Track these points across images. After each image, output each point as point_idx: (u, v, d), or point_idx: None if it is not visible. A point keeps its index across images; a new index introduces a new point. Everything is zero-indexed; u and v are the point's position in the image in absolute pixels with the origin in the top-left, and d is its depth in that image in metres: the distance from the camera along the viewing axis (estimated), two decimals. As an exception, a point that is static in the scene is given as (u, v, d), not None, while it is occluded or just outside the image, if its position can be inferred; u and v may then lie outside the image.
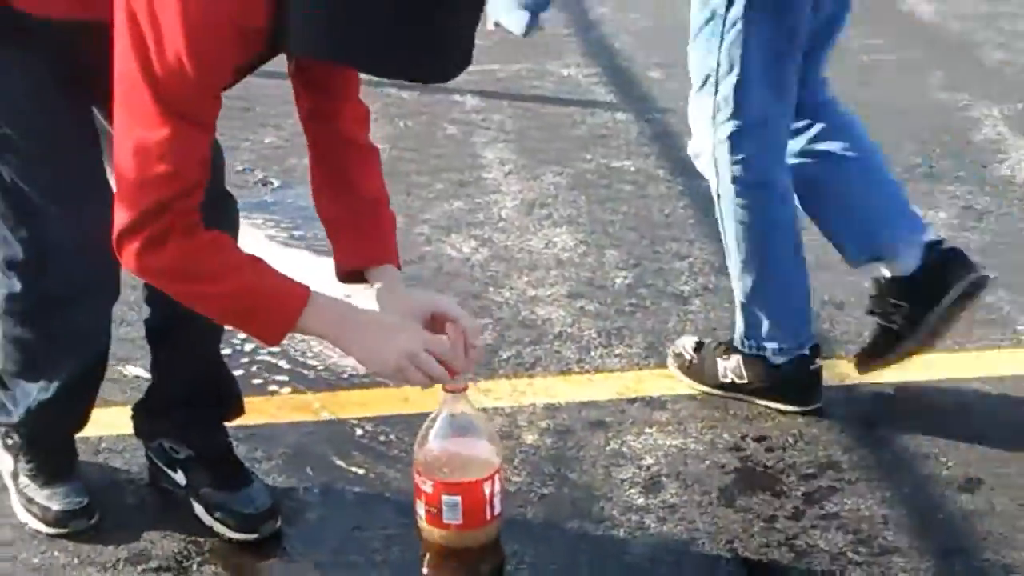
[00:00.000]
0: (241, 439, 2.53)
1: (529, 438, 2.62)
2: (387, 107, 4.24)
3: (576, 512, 2.40)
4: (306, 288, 1.94)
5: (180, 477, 2.41)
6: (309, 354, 2.87)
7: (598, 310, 3.08)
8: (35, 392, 2.29)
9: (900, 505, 2.41)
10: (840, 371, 2.78)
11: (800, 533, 2.33)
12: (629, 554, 2.30)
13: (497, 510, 2.13)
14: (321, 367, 2.84)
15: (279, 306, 1.93)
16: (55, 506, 2.36)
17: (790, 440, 2.60)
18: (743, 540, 2.32)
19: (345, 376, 2.81)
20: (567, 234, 3.45)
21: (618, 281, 3.21)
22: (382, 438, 2.60)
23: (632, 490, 2.46)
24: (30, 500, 2.38)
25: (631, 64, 4.69)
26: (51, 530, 2.36)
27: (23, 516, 2.39)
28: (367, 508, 2.42)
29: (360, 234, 2.13)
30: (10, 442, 2.42)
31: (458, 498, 2.08)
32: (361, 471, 2.52)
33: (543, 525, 2.37)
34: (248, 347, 2.88)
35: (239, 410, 2.46)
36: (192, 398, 2.39)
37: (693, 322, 3.02)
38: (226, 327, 2.31)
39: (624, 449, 2.58)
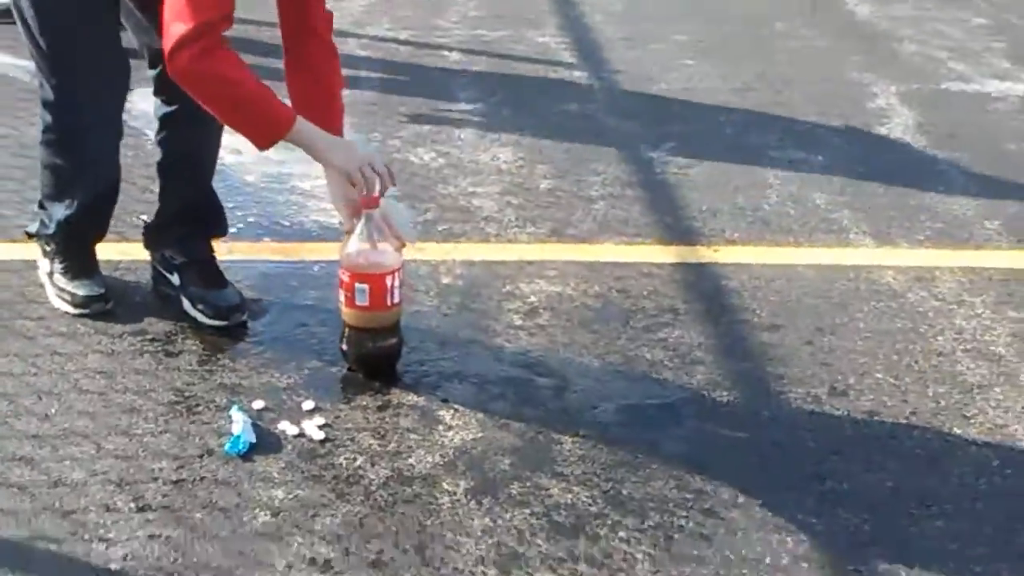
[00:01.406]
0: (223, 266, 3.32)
1: (445, 280, 3.41)
2: (383, 56, 5.05)
3: (470, 326, 3.19)
4: (295, 112, 2.72)
5: (175, 278, 3.20)
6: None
7: (520, 203, 3.86)
8: (63, 209, 3.10)
9: (715, 337, 3.18)
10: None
11: (631, 347, 3.10)
12: (506, 357, 3.07)
13: (397, 299, 2.90)
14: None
15: (276, 117, 2.71)
16: (80, 292, 3.16)
17: (644, 293, 3.37)
18: (590, 350, 3.09)
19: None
20: (510, 152, 4.24)
21: (541, 185, 4.00)
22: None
23: (515, 316, 3.24)
24: (61, 289, 3.18)
25: (599, 36, 5.47)
26: (76, 310, 3.16)
27: (56, 302, 3.19)
28: (311, 312, 3.22)
29: (318, 115, 2.83)
30: (48, 249, 3.22)
31: (366, 286, 2.86)
32: (312, 295, 3.31)
33: (445, 333, 3.15)
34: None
35: (223, 230, 3.26)
36: (189, 217, 3.19)
37: (593, 216, 3.79)
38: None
39: (515, 290, 3.36)
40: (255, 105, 2.70)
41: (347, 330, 2.94)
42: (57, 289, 3.19)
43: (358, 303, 2.87)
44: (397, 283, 2.88)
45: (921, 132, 4.50)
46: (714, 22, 5.64)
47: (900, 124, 4.57)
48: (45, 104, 3.00)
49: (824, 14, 5.76)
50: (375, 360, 2.95)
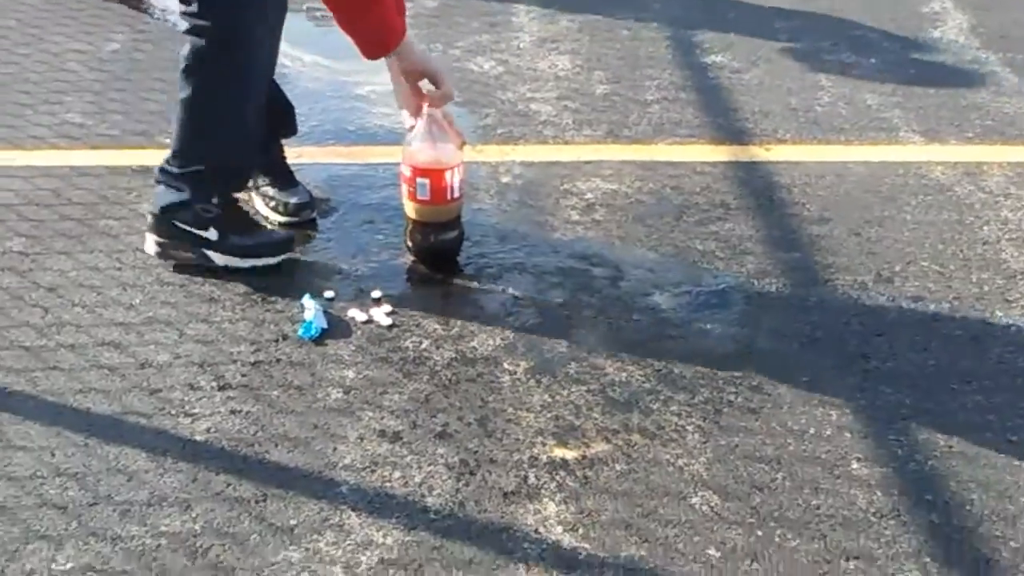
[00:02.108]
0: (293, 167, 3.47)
1: (505, 179, 3.54)
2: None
3: (529, 221, 3.32)
4: (405, 29, 2.83)
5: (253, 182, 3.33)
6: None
7: (577, 107, 3.98)
8: (240, 124, 3.00)
9: (765, 230, 3.30)
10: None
11: (684, 239, 3.23)
12: (563, 249, 3.21)
13: (457, 194, 3.04)
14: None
15: (393, 26, 2.82)
16: (293, 200, 3.26)
17: (697, 190, 3.48)
18: (644, 242, 3.23)
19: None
20: (567, 60, 4.34)
21: (598, 90, 4.10)
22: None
23: (572, 211, 3.37)
24: (271, 198, 3.27)
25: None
26: (288, 218, 3.24)
27: (264, 211, 3.28)
28: (377, 210, 3.37)
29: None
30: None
31: (427, 180, 3.00)
32: (378, 195, 3.46)
33: (505, 228, 3.29)
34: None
35: (293, 130, 3.40)
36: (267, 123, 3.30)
37: (648, 119, 3.90)
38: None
39: (572, 188, 3.49)
40: (381, 11, 2.79)
41: (410, 224, 3.08)
42: (266, 199, 3.27)
43: (419, 197, 3.01)
44: (457, 179, 3.02)
45: (974, 34, 4.55)
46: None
47: (953, 27, 4.61)
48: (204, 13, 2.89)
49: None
50: (437, 252, 3.09)
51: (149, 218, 3.09)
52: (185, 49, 2.93)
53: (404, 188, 3.04)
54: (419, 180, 3.00)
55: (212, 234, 3.05)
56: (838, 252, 3.18)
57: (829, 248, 3.20)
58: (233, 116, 2.98)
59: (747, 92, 4.08)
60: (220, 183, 3.09)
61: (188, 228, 3.04)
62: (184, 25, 2.93)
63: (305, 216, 3.29)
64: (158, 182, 3.07)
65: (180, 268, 3.09)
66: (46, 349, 2.79)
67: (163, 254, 3.08)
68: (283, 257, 3.11)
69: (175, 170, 3.03)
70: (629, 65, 4.30)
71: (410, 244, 3.10)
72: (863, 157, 3.67)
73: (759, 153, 3.69)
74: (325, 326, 2.86)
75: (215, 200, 3.06)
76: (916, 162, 3.63)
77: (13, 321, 2.89)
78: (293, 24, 4.63)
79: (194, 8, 2.89)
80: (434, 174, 2.99)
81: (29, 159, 3.62)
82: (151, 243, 3.09)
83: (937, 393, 2.69)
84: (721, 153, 3.69)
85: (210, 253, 3.06)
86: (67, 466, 2.45)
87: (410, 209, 3.05)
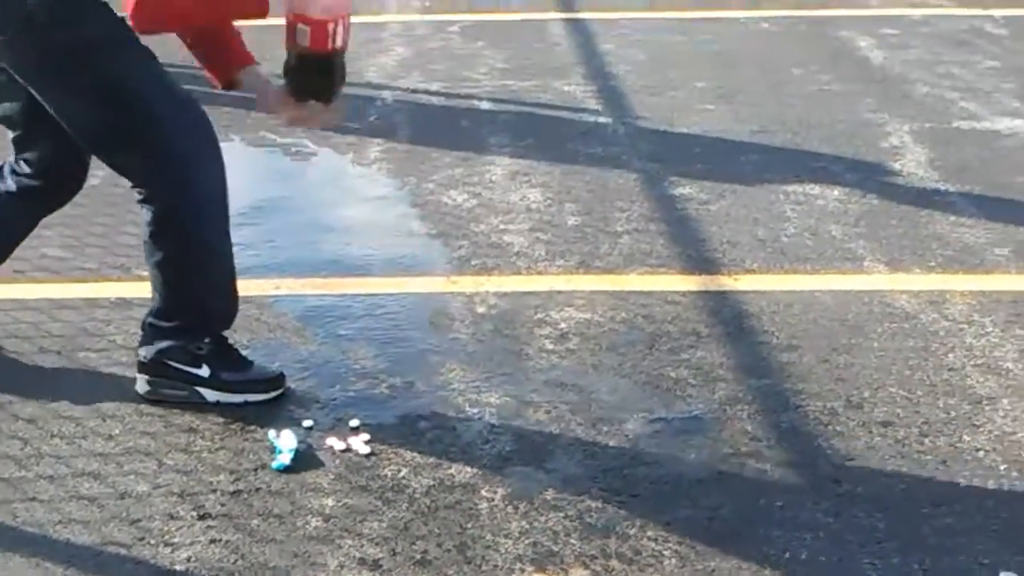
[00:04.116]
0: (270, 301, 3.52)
1: (480, 310, 3.61)
2: (415, 106, 5.30)
3: (503, 349, 3.38)
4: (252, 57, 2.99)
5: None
6: (328, 253, 3.89)
7: (550, 239, 4.06)
8: (217, 296, 3.10)
9: (736, 357, 3.36)
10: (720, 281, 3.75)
11: (656, 367, 3.29)
12: (538, 377, 3.26)
13: (338, 44, 2.85)
14: (336, 261, 3.85)
15: (235, 57, 2.99)
16: (265, 375, 3.18)
17: (668, 319, 3.56)
18: (617, 370, 3.28)
19: (352, 267, 3.82)
20: (539, 193, 4.44)
21: (569, 221, 4.20)
22: (373, 302, 3.61)
23: (546, 340, 3.44)
24: (241, 383, 3.13)
25: (622, 85, 5.68)
26: (274, 393, 3.14)
27: (237, 399, 3.11)
28: (353, 340, 3.42)
29: (219, 50, 3.05)
30: (200, 353, 3.12)
31: (308, 28, 2.84)
32: (354, 326, 3.52)
33: (480, 358, 3.34)
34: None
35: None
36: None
37: (619, 249, 3.99)
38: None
39: (546, 317, 3.56)
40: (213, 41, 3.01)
41: (287, 66, 2.96)
42: (235, 388, 3.13)
43: (298, 41, 2.87)
44: (340, 30, 2.85)
45: (933, 167, 4.68)
46: (733, 70, 5.85)
47: (913, 160, 4.75)
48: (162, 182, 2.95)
49: (839, 60, 5.97)
50: (312, 85, 2.97)
51: (140, 359, 3.12)
52: (147, 216, 2.97)
53: (285, 32, 2.89)
54: (299, 26, 2.85)
55: (204, 371, 3.10)
56: (808, 379, 3.25)
57: (799, 375, 3.27)
58: (207, 266, 3.05)
59: (715, 223, 4.18)
60: (207, 327, 3.14)
61: (180, 367, 3.09)
62: (137, 196, 2.98)
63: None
64: (146, 333, 3.12)
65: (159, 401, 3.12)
66: (25, 480, 2.81)
67: (153, 393, 3.11)
68: (275, 394, 3.14)
69: (163, 324, 3.09)
70: (599, 197, 4.40)
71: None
72: (829, 286, 3.75)
73: (728, 283, 3.77)
74: (289, 462, 2.86)
75: (206, 340, 3.11)
76: (881, 291, 3.72)
77: (-8, 452, 2.90)
78: (267, 160, 4.75)
79: (147, 172, 2.94)
80: (315, 24, 2.83)
81: (8, 292, 3.66)
82: (142, 383, 3.13)
83: (909, 516, 2.73)
84: (691, 283, 3.78)
85: (202, 390, 3.10)
86: (47, 597, 2.45)
87: (290, 54, 2.93)
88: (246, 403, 3.10)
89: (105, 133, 2.90)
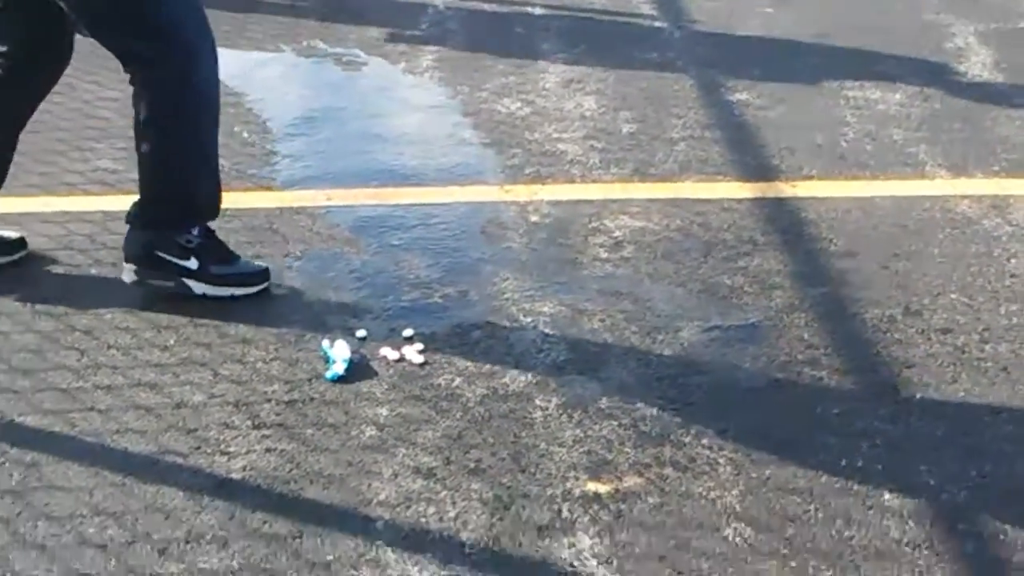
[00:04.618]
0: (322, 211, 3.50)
1: (534, 218, 3.57)
2: (468, 14, 5.23)
3: (557, 258, 3.35)
4: None
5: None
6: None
7: (604, 147, 4.01)
8: (209, 181, 3.17)
9: (793, 264, 3.31)
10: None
11: (712, 274, 3.26)
12: (592, 285, 3.23)
13: None
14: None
15: None
16: (249, 270, 3.22)
17: (724, 226, 3.51)
18: (672, 279, 3.25)
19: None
20: (593, 100, 4.38)
21: (624, 129, 4.14)
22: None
23: (600, 249, 3.40)
24: (229, 276, 3.17)
25: (678, -11, 5.58)
26: (257, 288, 3.19)
27: (222, 291, 3.16)
28: (406, 250, 3.40)
29: None
30: (190, 246, 3.17)
31: None
32: (407, 235, 3.50)
33: (534, 266, 3.31)
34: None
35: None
36: None
37: (674, 157, 3.93)
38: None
39: (600, 226, 3.52)
40: None
41: None
42: (222, 281, 3.17)
43: None
44: None
45: (998, 69, 4.57)
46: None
47: (978, 63, 4.64)
48: (169, 63, 2.98)
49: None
50: None
51: (127, 250, 3.16)
52: (144, 100, 3.00)
53: None
54: None
55: (192, 263, 3.14)
56: (866, 286, 3.20)
57: (857, 282, 3.22)
58: (199, 154, 3.11)
59: (772, 129, 4.11)
60: (196, 215, 3.17)
61: (170, 258, 3.13)
62: (134, 84, 3.01)
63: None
64: (133, 222, 3.16)
65: (214, 310, 3.12)
66: (83, 391, 2.83)
67: (140, 282, 3.15)
68: (261, 287, 3.18)
69: (152, 213, 3.13)
70: (654, 104, 4.33)
71: None
72: (890, 192, 3.69)
73: (785, 189, 3.71)
74: (343, 372, 2.87)
75: (195, 231, 3.14)
76: (943, 196, 3.65)
77: (50, 364, 2.92)
78: (318, 70, 4.71)
79: (149, 57, 2.96)
80: None
81: (63, 205, 3.67)
82: (128, 272, 3.17)
83: (968, 424, 2.69)
84: (747, 190, 3.72)
85: (190, 282, 3.14)
86: (106, 505, 2.47)
87: None
88: (232, 297, 3.14)
89: (108, 11, 2.91)
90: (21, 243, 3.36)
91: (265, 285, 3.20)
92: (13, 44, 3.09)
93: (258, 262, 3.27)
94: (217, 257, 3.18)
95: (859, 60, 4.69)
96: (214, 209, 3.21)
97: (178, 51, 2.97)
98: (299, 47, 4.91)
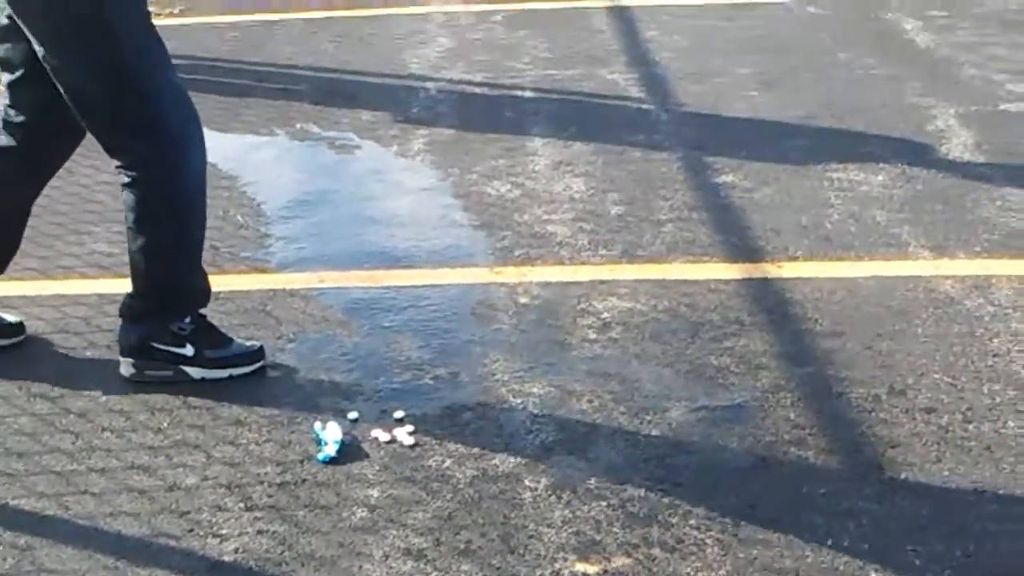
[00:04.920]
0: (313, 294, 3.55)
1: (523, 300, 3.63)
2: (459, 97, 5.32)
3: (546, 340, 3.40)
4: None
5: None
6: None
7: (592, 229, 4.08)
8: (196, 274, 3.25)
9: (779, 345, 3.36)
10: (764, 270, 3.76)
11: (699, 355, 3.30)
12: (581, 366, 3.28)
13: None
14: (380, 253, 3.89)
15: None
16: (243, 350, 3.27)
17: (711, 307, 3.56)
18: (660, 359, 3.30)
19: (397, 259, 3.85)
20: (582, 182, 4.45)
21: (612, 211, 4.21)
22: (417, 294, 3.63)
23: (589, 330, 3.45)
24: (225, 357, 3.24)
25: (665, 72, 5.67)
26: (253, 367, 3.25)
27: (220, 374, 3.23)
28: (397, 332, 3.45)
29: None
30: (184, 333, 3.23)
31: None
32: (398, 318, 3.55)
33: (523, 348, 3.36)
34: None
35: None
36: None
37: (662, 238, 4.00)
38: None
39: (589, 307, 3.57)
40: None
41: None
42: (219, 364, 3.23)
43: None
44: None
45: (980, 151, 4.65)
46: (778, 55, 5.82)
47: (959, 144, 4.72)
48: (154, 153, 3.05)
49: (885, 44, 5.93)
50: None
51: (123, 343, 3.21)
52: (133, 199, 3.09)
53: None
54: None
55: (188, 350, 3.20)
56: (851, 366, 3.24)
57: (842, 362, 3.26)
58: (190, 248, 3.18)
59: (758, 210, 4.18)
60: (188, 305, 3.22)
61: (165, 347, 3.19)
62: (124, 180, 3.08)
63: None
64: (126, 317, 3.21)
65: (207, 391, 3.16)
66: (77, 473, 2.86)
67: (139, 375, 3.20)
68: (257, 366, 3.24)
69: (144, 307, 3.19)
70: (642, 186, 4.40)
71: None
72: (874, 272, 3.74)
73: (771, 270, 3.77)
74: (334, 454, 2.90)
75: (187, 319, 3.20)
76: (926, 276, 3.71)
77: (44, 447, 2.96)
78: (311, 154, 4.79)
79: (139, 153, 3.03)
80: None
81: (58, 288, 3.72)
82: (126, 366, 3.21)
83: (952, 504, 2.73)
84: (734, 271, 3.78)
85: (188, 369, 3.19)
86: (98, 588, 2.50)
87: None
88: (231, 377, 3.19)
89: (100, 106, 2.98)
90: (20, 327, 3.41)
91: (261, 364, 3.25)
92: (32, 114, 3.14)
93: (250, 342, 3.31)
94: (211, 341, 3.23)
95: (843, 142, 4.77)
96: (205, 296, 3.26)
97: (167, 147, 3.04)
98: (292, 131, 4.99)
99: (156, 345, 3.19)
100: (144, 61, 2.97)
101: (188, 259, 3.19)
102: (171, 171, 3.06)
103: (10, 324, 3.40)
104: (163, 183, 3.07)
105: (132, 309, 3.22)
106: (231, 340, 3.28)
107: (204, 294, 3.26)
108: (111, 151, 3.07)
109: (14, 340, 3.39)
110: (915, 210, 4.16)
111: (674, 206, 4.24)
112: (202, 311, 3.27)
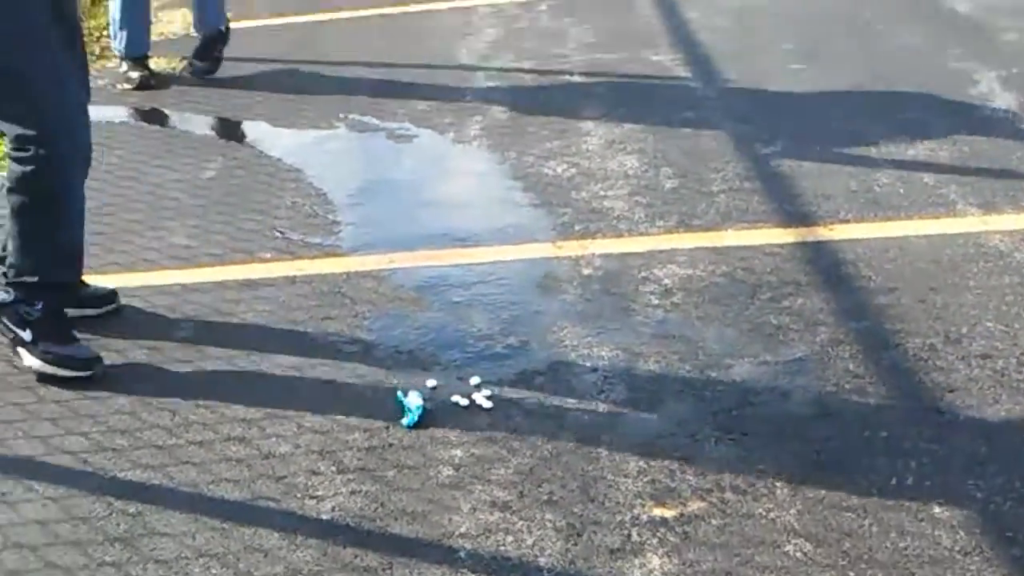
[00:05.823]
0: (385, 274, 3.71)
1: (586, 271, 3.78)
2: (510, 85, 5.47)
3: (611, 307, 3.55)
4: None
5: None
6: (438, 226, 4.09)
7: (648, 202, 4.22)
8: (49, 259, 3.35)
9: (835, 302, 3.50)
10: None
11: (758, 315, 3.44)
12: (645, 330, 3.43)
13: None
14: (446, 233, 4.05)
15: None
16: (80, 355, 3.35)
17: (767, 270, 3.70)
18: (721, 320, 3.44)
19: (462, 238, 4.02)
20: (635, 159, 4.59)
21: (666, 184, 4.35)
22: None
23: (651, 296, 3.60)
24: (53, 354, 3.32)
25: (709, 51, 5.80)
26: (76, 373, 3.32)
27: (46, 368, 3.33)
28: (467, 305, 3.61)
29: None
30: (28, 315, 3.35)
31: None
32: (467, 292, 3.71)
33: (589, 316, 3.51)
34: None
35: None
36: None
37: (716, 208, 4.13)
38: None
39: (650, 275, 3.72)
40: None
41: None
42: (47, 357, 3.32)
43: None
44: None
45: (1022, 111, 4.75)
46: (818, 29, 5.94)
47: (1002, 106, 4.83)
48: (27, 146, 3.18)
49: (925, 13, 6.03)
50: None
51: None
52: (11, 164, 3.23)
53: None
54: None
55: (27, 335, 3.32)
56: (906, 319, 3.37)
57: (897, 316, 3.39)
58: (54, 237, 3.30)
59: (808, 178, 4.30)
60: (46, 295, 3.33)
61: (8, 325, 3.34)
62: (8, 147, 3.23)
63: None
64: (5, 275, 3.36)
65: (294, 366, 3.33)
66: (177, 447, 3.04)
67: None
68: (89, 373, 3.30)
69: (8, 278, 3.33)
70: (693, 160, 4.54)
71: None
72: (923, 231, 3.87)
73: (823, 233, 3.90)
74: (418, 418, 3.06)
75: (38, 305, 3.32)
76: (975, 232, 3.83)
77: (144, 423, 3.14)
78: (371, 144, 4.95)
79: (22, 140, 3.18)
80: None
81: (143, 279, 3.90)
82: None
83: (1010, 440, 2.86)
84: (788, 235, 3.91)
85: (21, 351, 3.34)
86: (208, 548, 2.68)
87: None
88: (55, 377, 3.29)
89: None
90: (113, 295, 3.65)
91: (90, 373, 3.31)
92: None
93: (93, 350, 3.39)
94: (52, 335, 3.32)
95: (887, 109, 4.89)
96: (63, 289, 3.39)
97: (53, 118, 3.18)
98: (351, 123, 5.15)
99: (3, 319, 3.34)
100: (42, 72, 3.14)
101: (51, 239, 3.29)
102: (49, 139, 3.17)
103: (105, 292, 3.64)
104: (39, 151, 3.17)
105: (3, 272, 3.37)
106: (75, 341, 3.36)
107: (61, 285, 3.37)
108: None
109: (109, 307, 3.61)
110: (962, 171, 4.27)
111: (726, 177, 4.37)
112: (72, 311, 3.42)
